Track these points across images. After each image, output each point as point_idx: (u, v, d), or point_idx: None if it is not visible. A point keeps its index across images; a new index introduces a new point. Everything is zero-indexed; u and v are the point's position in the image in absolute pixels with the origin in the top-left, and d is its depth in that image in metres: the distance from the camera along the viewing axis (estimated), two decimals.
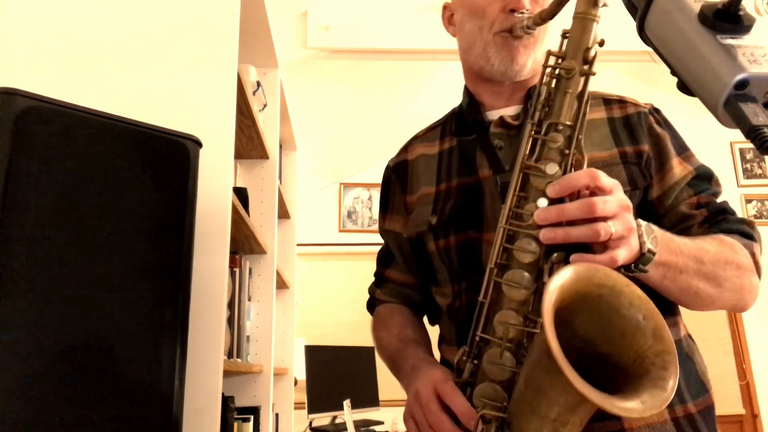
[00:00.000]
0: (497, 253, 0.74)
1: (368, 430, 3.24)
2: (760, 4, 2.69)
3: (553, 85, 0.77)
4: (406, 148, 1.06)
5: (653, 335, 0.62)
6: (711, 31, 0.47)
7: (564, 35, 0.77)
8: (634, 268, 0.71)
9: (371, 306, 1.11)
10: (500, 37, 0.89)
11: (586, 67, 0.75)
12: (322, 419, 3.15)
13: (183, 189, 0.92)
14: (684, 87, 0.51)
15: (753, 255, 0.83)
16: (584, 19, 0.75)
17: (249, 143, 1.88)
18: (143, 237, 0.86)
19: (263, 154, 1.99)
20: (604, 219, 0.67)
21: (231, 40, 1.28)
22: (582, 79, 0.75)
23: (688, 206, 0.87)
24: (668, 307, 0.83)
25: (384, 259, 1.08)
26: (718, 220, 0.86)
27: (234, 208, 1.34)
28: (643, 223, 0.72)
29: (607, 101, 0.93)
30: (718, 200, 0.89)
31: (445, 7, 1.02)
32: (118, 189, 0.85)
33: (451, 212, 0.90)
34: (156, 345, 0.85)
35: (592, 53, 0.75)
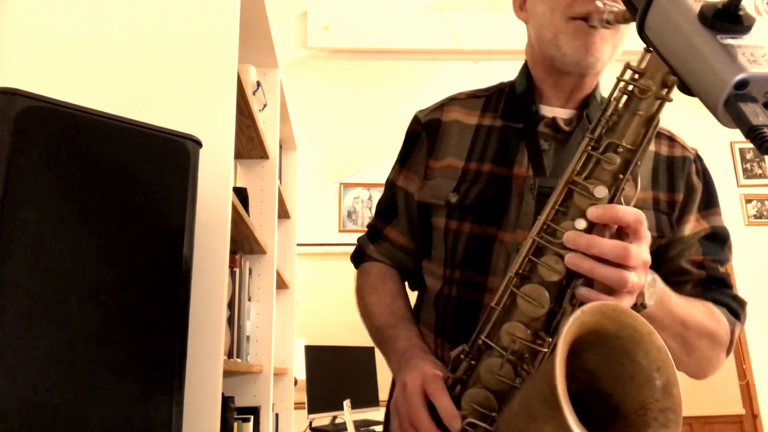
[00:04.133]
0: (521, 262, 0.70)
1: (368, 430, 3.24)
2: (760, 4, 2.69)
3: (623, 101, 0.70)
4: (441, 107, 0.97)
5: (663, 390, 0.61)
6: (711, 31, 0.47)
7: (647, 49, 0.69)
8: None
9: (359, 259, 1.04)
10: (573, 24, 0.80)
11: (664, 91, 0.68)
12: (322, 419, 3.15)
13: (183, 189, 0.92)
14: (684, 87, 0.51)
15: (732, 333, 0.82)
16: None
17: (249, 143, 1.88)
18: (143, 237, 0.86)
19: (263, 154, 1.99)
20: (629, 269, 0.64)
21: (231, 40, 1.28)
22: (657, 103, 0.68)
23: (690, 263, 0.86)
24: None
25: (385, 213, 1.00)
26: (712, 287, 0.86)
27: (234, 208, 1.34)
28: (649, 276, 0.70)
29: (657, 134, 0.89)
30: (723, 268, 0.88)
31: None
32: (118, 189, 0.85)
33: (476, 199, 0.86)
34: (155, 345, 0.85)
35: (673, 77, 0.66)
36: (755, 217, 4.66)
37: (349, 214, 4.71)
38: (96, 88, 1.21)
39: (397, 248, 0.98)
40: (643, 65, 0.70)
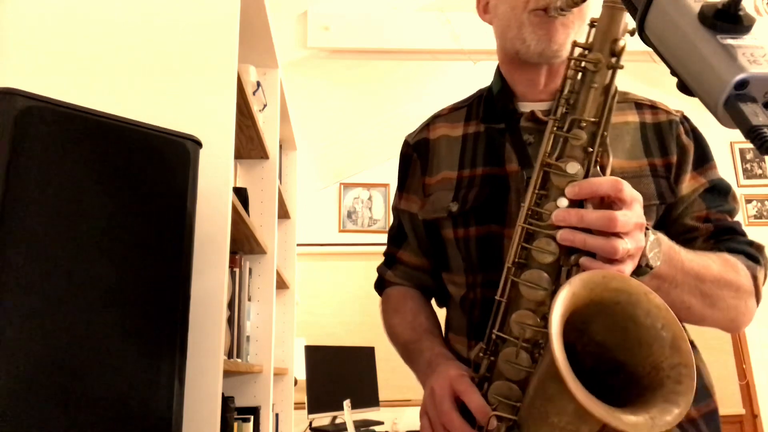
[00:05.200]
0: (515, 251, 0.73)
1: (368, 430, 3.24)
2: (760, 4, 2.69)
3: (578, 78, 0.74)
4: (427, 126, 1.02)
5: (671, 346, 0.61)
6: (711, 31, 0.47)
7: (592, 24, 0.74)
8: None
9: (380, 287, 1.08)
10: (535, 15, 0.84)
11: (613, 59, 0.72)
12: (322, 419, 3.15)
13: (183, 189, 0.92)
14: (684, 87, 0.51)
15: (755, 278, 0.82)
16: (613, 8, 0.72)
17: (249, 143, 1.88)
18: (143, 237, 0.86)
19: (263, 154, 1.99)
20: (620, 235, 0.66)
21: (231, 40, 1.28)
22: (609, 73, 0.72)
23: (695, 219, 0.86)
24: None
25: (396, 238, 1.04)
26: (725, 238, 0.86)
27: (234, 208, 1.34)
28: (651, 236, 0.71)
29: (639, 105, 0.92)
30: (734, 218, 0.88)
31: None
32: (118, 189, 0.85)
33: (474, 202, 0.88)
34: (156, 345, 0.85)
35: (620, 45, 0.71)
36: (755, 217, 4.66)
37: (349, 214, 4.71)
38: (96, 88, 1.21)
39: (412, 269, 1.02)
40: (589, 40, 0.73)
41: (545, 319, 0.70)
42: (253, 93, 1.80)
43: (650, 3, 0.53)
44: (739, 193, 4.68)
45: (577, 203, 0.69)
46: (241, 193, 1.74)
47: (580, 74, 0.74)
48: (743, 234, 0.87)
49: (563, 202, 0.69)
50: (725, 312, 0.80)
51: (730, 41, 0.46)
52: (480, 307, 0.87)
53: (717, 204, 0.87)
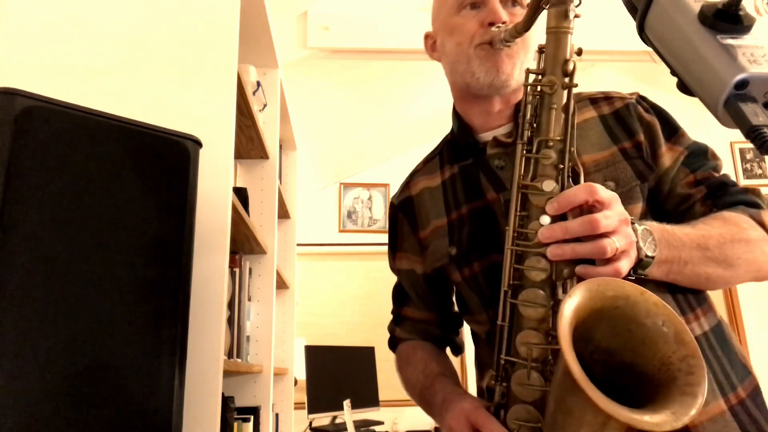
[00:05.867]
0: (508, 275, 0.74)
1: (368, 430, 3.24)
2: (760, 4, 2.69)
3: (537, 102, 0.77)
4: (408, 184, 1.05)
5: (675, 340, 0.62)
6: (711, 31, 0.47)
7: (540, 50, 0.77)
8: (633, 273, 0.72)
9: (393, 344, 1.10)
10: (481, 49, 0.88)
11: (566, 80, 0.76)
12: (322, 419, 3.15)
13: (183, 189, 0.92)
14: (684, 87, 0.51)
15: (762, 224, 0.82)
16: (557, 33, 0.76)
17: (249, 143, 1.88)
18: (143, 237, 0.86)
19: (263, 154, 1.99)
20: (607, 234, 0.67)
21: (231, 40, 1.28)
22: (565, 93, 0.76)
23: (686, 186, 0.87)
24: (698, 294, 0.84)
25: (399, 297, 1.08)
26: (719, 194, 0.86)
27: (234, 208, 1.34)
28: (639, 228, 0.72)
29: (594, 100, 0.93)
30: (719, 173, 0.88)
31: (427, 36, 1.02)
32: (118, 189, 0.85)
33: (469, 239, 0.90)
34: (156, 345, 0.85)
35: (570, 66, 0.75)
36: None
37: (349, 214, 4.70)
38: (96, 88, 1.21)
39: (418, 323, 1.05)
40: (541, 65, 0.77)
41: (550, 335, 0.71)
42: (253, 93, 1.80)
43: (650, 3, 0.53)
44: None
45: (558, 217, 0.71)
46: (241, 193, 1.74)
47: (538, 98, 0.77)
48: (734, 184, 0.87)
49: (546, 219, 0.72)
50: (746, 267, 0.80)
51: (730, 41, 0.46)
52: None
53: (699, 165, 0.88)
